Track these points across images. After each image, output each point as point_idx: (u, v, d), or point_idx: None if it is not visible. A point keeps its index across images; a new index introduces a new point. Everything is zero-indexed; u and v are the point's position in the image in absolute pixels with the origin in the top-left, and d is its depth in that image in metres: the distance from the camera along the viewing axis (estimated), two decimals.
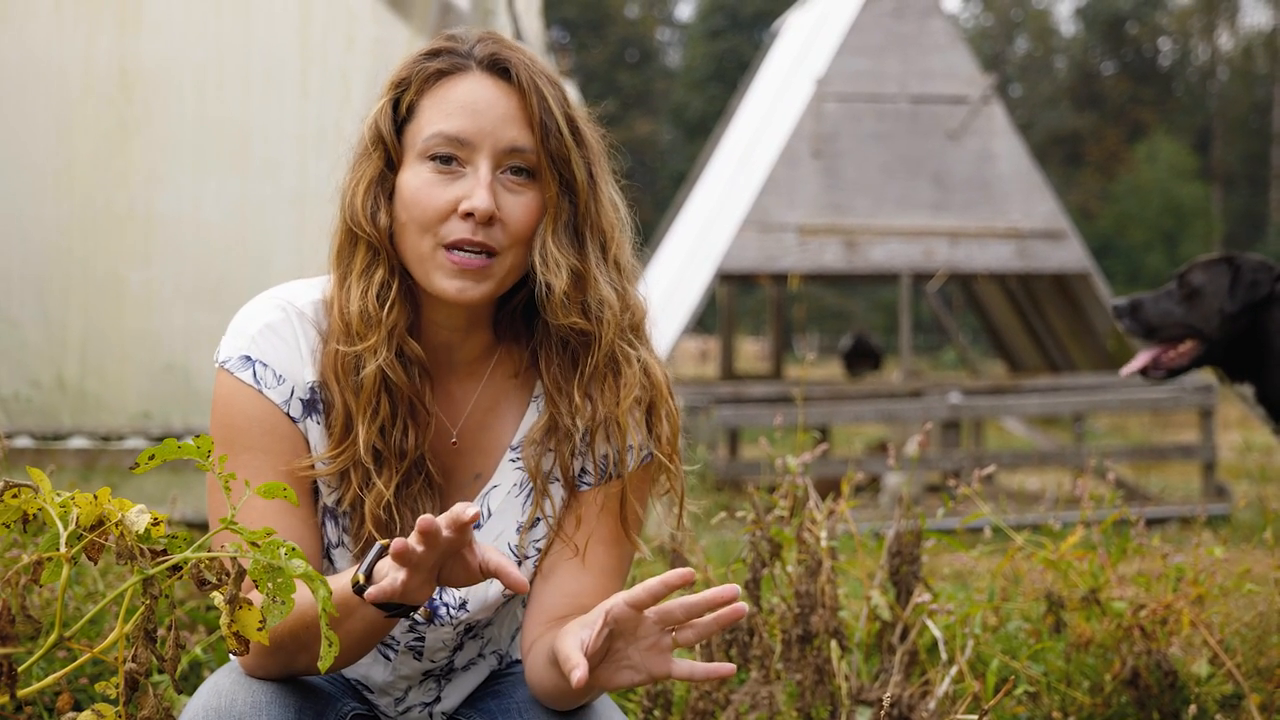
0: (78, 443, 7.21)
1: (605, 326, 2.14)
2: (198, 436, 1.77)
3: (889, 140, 15.24)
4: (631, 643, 1.93)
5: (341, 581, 1.93)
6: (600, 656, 1.92)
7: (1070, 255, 15.27)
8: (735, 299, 21.97)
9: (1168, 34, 62.94)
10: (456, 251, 2.05)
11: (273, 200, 7.54)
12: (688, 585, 1.86)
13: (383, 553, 1.90)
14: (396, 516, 2.12)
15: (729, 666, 1.90)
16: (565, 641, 1.90)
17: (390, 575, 1.82)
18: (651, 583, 1.86)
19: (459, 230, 2.04)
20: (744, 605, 1.88)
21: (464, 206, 2.04)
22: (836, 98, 15.20)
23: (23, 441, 7.12)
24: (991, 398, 14.23)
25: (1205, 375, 18.49)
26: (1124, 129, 56.40)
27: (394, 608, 1.91)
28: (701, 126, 49.01)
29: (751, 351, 37.88)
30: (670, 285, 15.83)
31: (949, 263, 15.19)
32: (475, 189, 2.04)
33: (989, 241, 15.18)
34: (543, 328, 2.17)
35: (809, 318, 38.62)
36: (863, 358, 21.05)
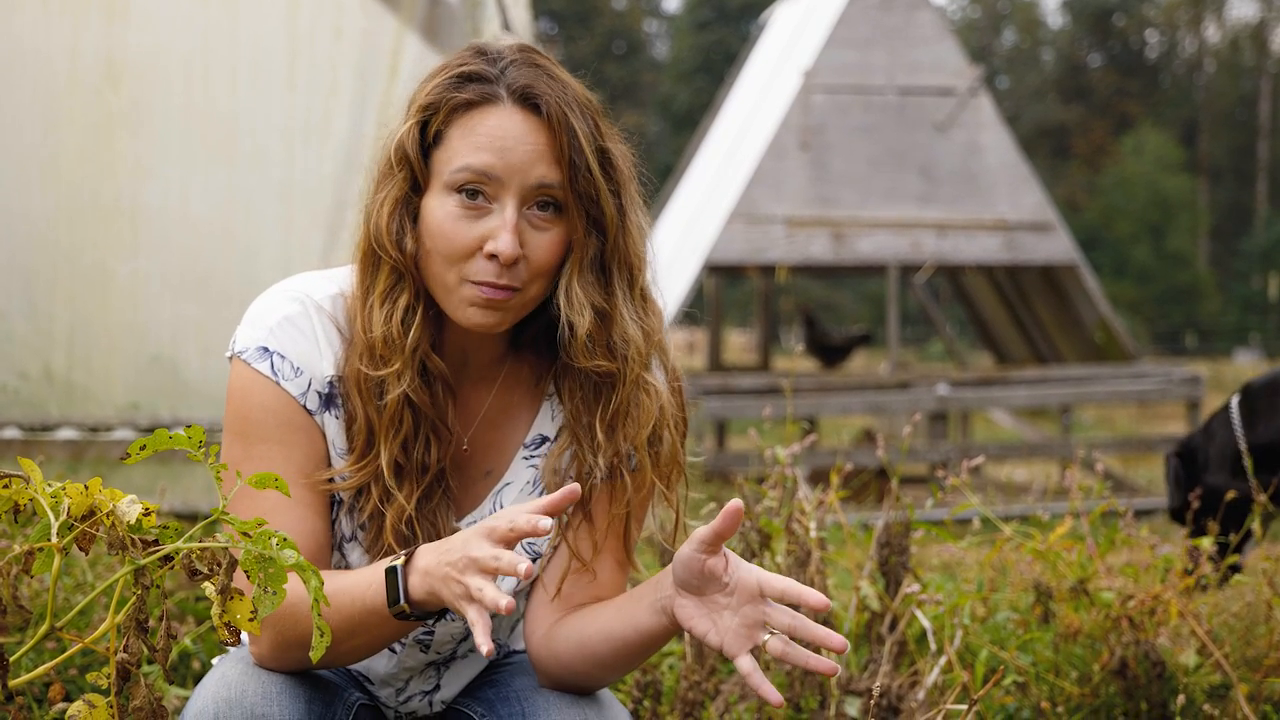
0: (65, 434, 7.19)
1: (630, 364, 2.13)
2: (188, 427, 1.76)
3: (876, 132, 15.23)
4: (731, 609, 1.96)
5: (370, 593, 1.94)
6: (702, 580, 1.96)
7: (1057, 247, 15.28)
8: (723, 291, 21.96)
9: (1155, 26, 63.03)
10: (481, 287, 2.04)
11: (260, 192, 7.52)
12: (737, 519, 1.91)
13: (408, 560, 1.91)
14: (417, 531, 2.12)
15: (777, 698, 1.91)
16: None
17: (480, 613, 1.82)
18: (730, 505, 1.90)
19: (484, 272, 2.03)
20: (837, 666, 1.93)
21: (488, 248, 2.02)
22: (824, 90, 15.20)
23: (10, 433, 7.11)
24: (979, 389, 14.26)
25: (1191, 367, 18.55)
26: (1111, 121, 56.48)
27: (435, 614, 1.94)
28: (689, 119, 48.98)
29: (739, 343, 37.89)
30: (658, 277, 15.77)
31: (936, 255, 15.19)
32: (500, 231, 2.02)
33: (976, 233, 15.19)
34: (564, 357, 2.16)
35: (796, 309, 38.64)
36: (830, 350, 20.68)
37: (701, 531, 1.94)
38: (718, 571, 1.96)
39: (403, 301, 2.08)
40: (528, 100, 2.07)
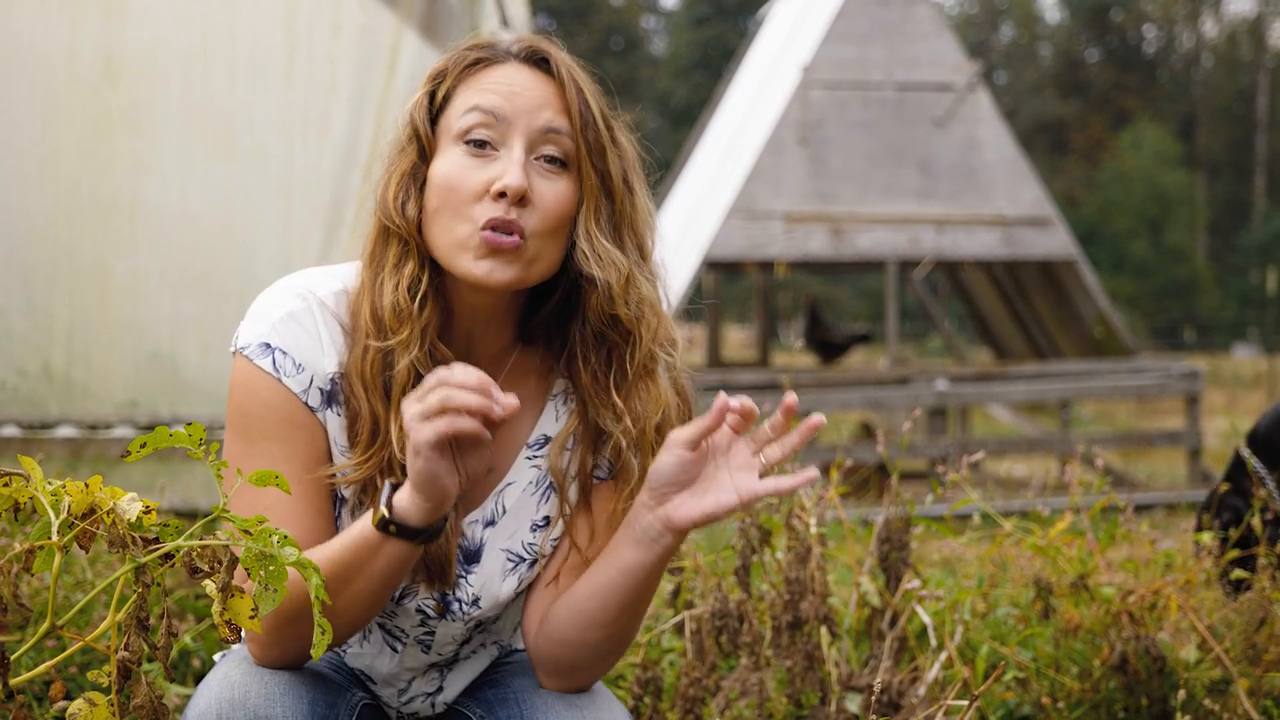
0: (65, 431, 7.19)
1: (645, 326, 2.13)
2: (188, 425, 1.76)
3: (875, 128, 15.23)
4: (724, 465, 2.01)
5: (357, 528, 1.96)
6: (691, 476, 2.01)
7: (1056, 242, 15.28)
8: (721, 286, 21.96)
9: (1152, 21, 63.08)
10: (487, 231, 2.02)
11: (259, 188, 7.52)
12: (749, 418, 1.99)
13: (394, 489, 1.94)
14: None
15: (813, 472, 2.00)
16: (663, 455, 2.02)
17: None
18: (717, 404, 1.97)
19: (491, 210, 2.02)
20: (820, 416, 1.99)
21: (496, 186, 2.01)
22: (822, 85, 15.19)
23: (9, 430, 7.11)
24: (978, 384, 14.26)
25: (1190, 362, 18.54)
26: (1108, 116, 56.48)
27: (419, 532, 1.93)
28: (687, 115, 48.96)
29: (738, 339, 37.89)
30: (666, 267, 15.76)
31: (935, 250, 15.19)
32: (508, 167, 2.02)
33: (975, 229, 15.19)
34: (578, 332, 2.16)
35: (795, 305, 38.67)
36: (830, 346, 20.59)
37: (680, 434, 2.00)
38: (704, 454, 2.02)
39: (409, 270, 2.07)
40: (535, 57, 2.11)
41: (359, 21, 7.56)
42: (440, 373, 1.87)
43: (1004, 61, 63.58)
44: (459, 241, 2.04)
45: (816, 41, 15.45)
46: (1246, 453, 4.50)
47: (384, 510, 1.92)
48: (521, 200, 2.02)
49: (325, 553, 1.96)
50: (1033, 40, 65.42)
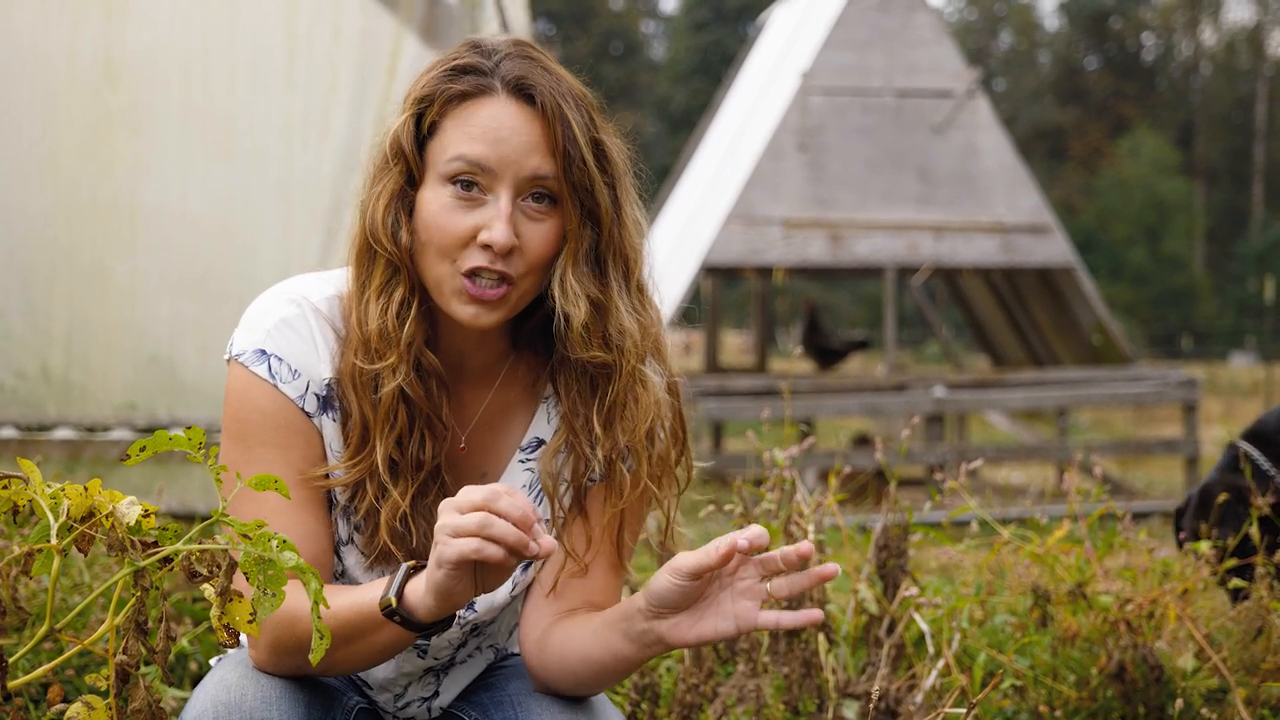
0: (63, 434, 7.18)
1: (626, 356, 2.12)
2: (188, 428, 1.76)
3: (874, 134, 15.22)
4: (728, 590, 1.97)
5: (368, 596, 1.94)
6: (691, 602, 1.97)
7: (1054, 250, 15.27)
8: (720, 292, 21.95)
9: (1151, 29, 63.10)
10: (474, 279, 2.03)
11: (258, 191, 7.52)
12: (761, 547, 1.92)
13: (409, 574, 1.92)
14: (412, 528, 2.11)
15: (817, 613, 1.94)
16: (668, 569, 1.95)
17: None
18: (726, 540, 1.91)
19: (477, 258, 2.03)
20: (835, 566, 1.94)
21: (482, 238, 2.02)
22: (822, 91, 15.19)
23: (7, 432, 7.10)
24: (976, 391, 14.25)
25: (1187, 370, 18.55)
26: (1107, 124, 56.50)
27: (423, 627, 1.93)
28: (686, 120, 48.95)
29: (736, 344, 37.87)
30: (655, 276, 15.72)
31: (933, 257, 15.18)
32: (494, 221, 2.02)
33: (973, 236, 15.18)
34: (559, 352, 2.16)
35: (793, 311, 38.67)
36: (828, 353, 20.52)
37: (685, 562, 1.94)
38: (703, 589, 1.97)
39: (398, 295, 2.08)
40: (522, 91, 2.07)
41: (359, 25, 7.55)
42: (487, 493, 1.82)
43: (1003, 68, 63.62)
44: (445, 281, 2.06)
45: (816, 47, 15.45)
46: (1247, 447, 4.46)
47: (392, 599, 1.91)
48: (508, 252, 2.03)
49: (335, 605, 1.95)
50: (1032, 47, 65.44)
